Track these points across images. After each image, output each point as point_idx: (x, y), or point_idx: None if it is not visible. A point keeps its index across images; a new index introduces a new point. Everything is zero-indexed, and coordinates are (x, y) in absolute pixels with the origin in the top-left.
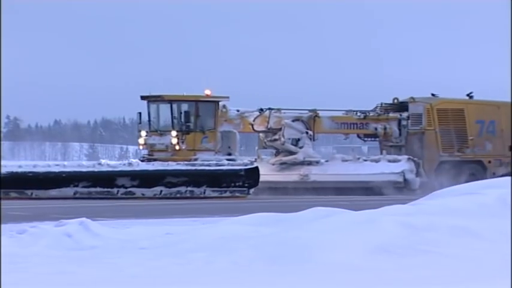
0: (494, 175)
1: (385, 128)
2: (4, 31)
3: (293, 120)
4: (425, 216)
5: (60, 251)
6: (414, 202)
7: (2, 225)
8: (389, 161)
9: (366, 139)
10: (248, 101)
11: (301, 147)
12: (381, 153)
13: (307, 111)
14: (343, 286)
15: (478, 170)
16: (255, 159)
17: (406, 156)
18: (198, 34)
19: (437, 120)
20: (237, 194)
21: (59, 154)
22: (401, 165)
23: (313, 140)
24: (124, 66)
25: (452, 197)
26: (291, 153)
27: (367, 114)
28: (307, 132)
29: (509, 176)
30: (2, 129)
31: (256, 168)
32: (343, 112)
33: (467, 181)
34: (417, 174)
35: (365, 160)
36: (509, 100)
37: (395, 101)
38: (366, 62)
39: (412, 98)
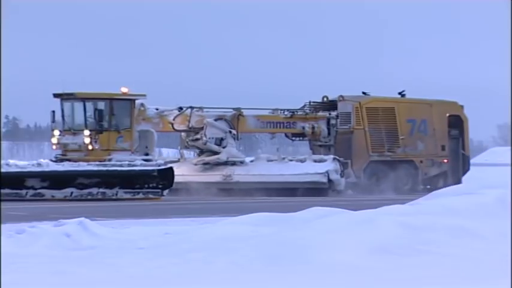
0: (426, 175)
1: (313, 127)
2: (4, 31)
3: (216, 119)
4: (424, 216)
5: (59, 251)
6: (413, 202)
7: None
8: (315, 161)
9: (294, 139)
10: (249, 100)
11: (224, 147)
12: (313, 153)
13: (231, 110)
14: (342, 286)
15: (409, 170)
16: (178, 159)
17: (332, 156)
18: (205, 35)
19: (367, 119)
20: (151, 196)
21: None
22: (326, 166)
23: (237, 140)
24: (123, 66)
25: (451, 197)
26: (215, 153)
27: (295, 113)
28: (230, 132)
29: (440, 175)
30: (2, 129)
31: (170, 168)
32: (270, 111)
33: (397, 181)
34: (342, 174)
35: (290, 160)
36: (440, 98)
37: (325, 99)
38: (368, 61)
39: (341, 96)
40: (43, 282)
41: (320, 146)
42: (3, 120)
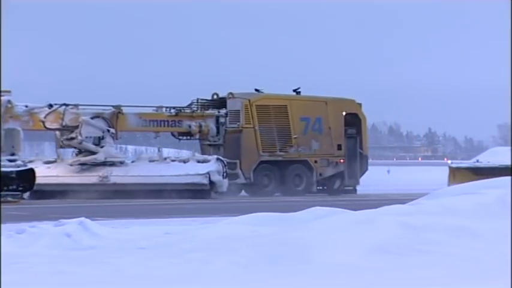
0: (321, 176)
1: (200, 126)
2: (5, 30)
3: (92, 117)
4: (424, 216)
5: (59, 251)
6: (413, 202)
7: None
8: (199, 161)
9: (180, 138)
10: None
11: (102, 147)
12: (203, 153)
13: (110, 108)
14: (342, 286)
15: (303, 170)
16: (55, 159)
17: (216, 157)
18: (209, 34)
19: (257, 117)
20: (9, 199)
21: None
22: (208, 166)
23: (116, 139)
24: (122, 65)
25: (452, 197)
26: (92, 152)
27: (181, 110)
28: (108, 130)
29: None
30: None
31: (31, 170)
32: (154, 109)
33: (290, 182)
34: (225, 175)
35: (173, 160)
36: (334, 96)
37: (215, 96)
38: (378, 61)
39: (230, 93)
40: (43, 282)
41: (209, 145)
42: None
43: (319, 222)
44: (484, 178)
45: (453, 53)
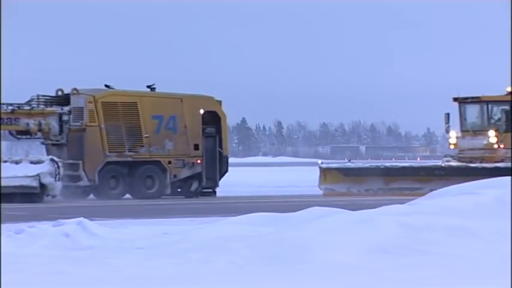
0: (175, 177)
1: (39, 124)
2: (5, 30)
3: None
4: (423, 216)
5: (58, 251)
6: (412, 202)
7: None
8: (32, 162)
9: (19, 137)
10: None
11: None
12: (48, 153)
13: None
14: (341, 286)
15: (155, 171)
16: None
17: (50, 157)
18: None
19: (103, 115)
20: None
21: None
22: (40, 168)
23: None
24: (123, 65)
25: (450, 197)
26: None
27: (19, 107)
28: None
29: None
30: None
31: None
32: None
33: (141, 184)
34: (59, 178)
35: (5, 161)
36: (191, 92)
37: (60, 92)
38: (378, 60)
39: (75, 89)
40: (42, 282)
41: (53, 145)
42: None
43: (318, 222)
44: (353, 179)
45: (453, 53)
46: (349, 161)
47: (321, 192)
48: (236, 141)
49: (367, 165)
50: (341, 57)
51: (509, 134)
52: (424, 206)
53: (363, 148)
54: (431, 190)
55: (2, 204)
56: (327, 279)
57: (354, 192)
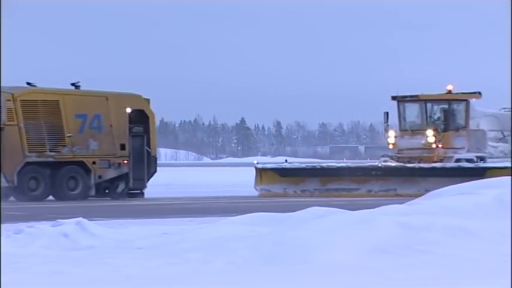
0: (100, 178)
1: None
2: (5, 30)
3: None
4: (422, 216)
5: (56, 251)
6: (411, 202)
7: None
8: None
9: None
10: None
11: None
12: None
13: None
14: (341, 286)
15: (79, 172)
16: None
17: None
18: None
19: (22, 113)
20: None
21: None
22: None
23: None
24: (124, 65)
25: (449, 197)
26: None
27: None
28: None
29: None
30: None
31: None
32: None
33: (63, 185)
34: None
35: None
36: (118, 91)
37: None
38: (378, 60)
39: None
40: (41, 282)
41: None
42: None
43: (317, 222)
44: (289, 179)
45: (453, 53)
46: (286, 161)
47: (256, 193)
48: (235, 141)
49: (303, 165)
50: (340, 57)
51: (448, 134)
52: (423, 206)
53: (362, 148)
54: (369, 191)
55: (5, 204)
56: (326, 279)
57: (291, 193)
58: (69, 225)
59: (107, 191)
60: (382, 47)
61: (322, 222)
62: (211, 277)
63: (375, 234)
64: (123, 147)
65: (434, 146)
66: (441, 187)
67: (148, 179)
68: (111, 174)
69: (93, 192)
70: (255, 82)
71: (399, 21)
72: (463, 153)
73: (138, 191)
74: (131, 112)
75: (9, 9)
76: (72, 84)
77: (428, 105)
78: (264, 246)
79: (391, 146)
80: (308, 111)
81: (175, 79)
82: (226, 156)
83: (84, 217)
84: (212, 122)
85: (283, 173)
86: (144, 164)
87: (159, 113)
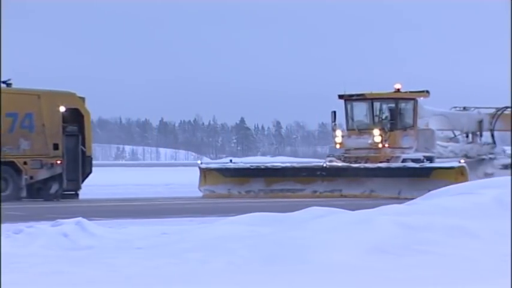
0: (32, 179)
1: None
2: (5, 30)
3: None
4: (422, 216)
5: (56, 251)
6: (410, 202)
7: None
8: None
9: None
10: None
11: None
12: None
13: None
14: (340, 286)
15: (9, 172)
16: None
17: None
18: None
19: None
20: None
21: None
22: None
23: None
24: (125, 65)
25: (449, 197)
26: None
27: None
28: None
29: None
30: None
31: None
32: None
33: None
34: None
35: None
36: (51, 88)
37: None
38: (378, 61)
39: None
40: (40, 282)
41: None
42: None
43: (317, 222)
44: (234, 180)
45: (454, 53)
46: (230, 161)
47: (200, 194)
48: (235, 141)
49: (247, 165)
50: (341, 57)
51: (395, 133)
52: (422, 206)
53: None
54: (314, 191)
55: (4, 204)
56: (326, 279)
57: (235, 194)
58: (68, 225)
59: (42, 192)
60: (382, 47)
61: (321, 222)
62: (210, 277)
63: (374, 234)
64: (56, 147)
65: (380, 145)
66: (386, 187)
67: (83, 180)
68: (43, 174)
69: (24, 193)
70: (255, 82)
71: (400, 22)
72: (410, 153)
73: (73, 192)
74: (65, 111)
75: (8, 10)
76: (4, 82)
77: (376, 104)
78: (263, 246)
79: (338, 146)
80: (308, 111)
81: (175, 79)
82: (226, 156)
83: (83, 217)
84: (212, 122)
85: (227, 173)
86: (79, 165)
87: (159, 112)
